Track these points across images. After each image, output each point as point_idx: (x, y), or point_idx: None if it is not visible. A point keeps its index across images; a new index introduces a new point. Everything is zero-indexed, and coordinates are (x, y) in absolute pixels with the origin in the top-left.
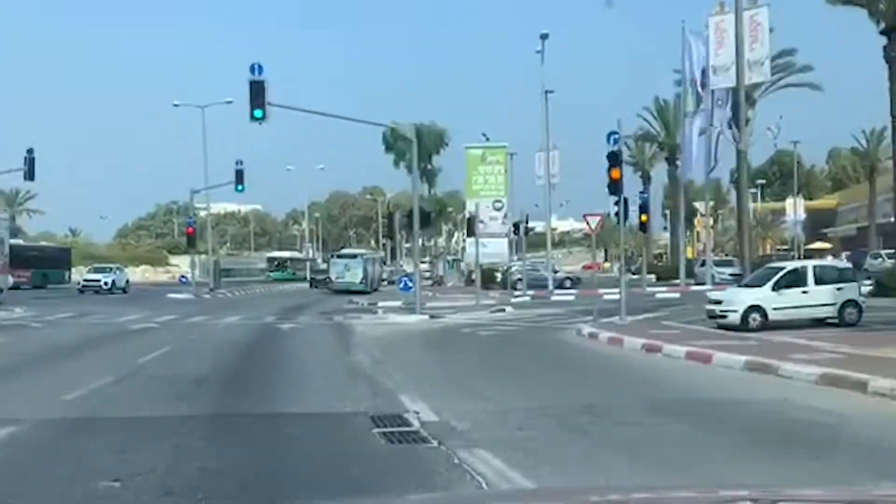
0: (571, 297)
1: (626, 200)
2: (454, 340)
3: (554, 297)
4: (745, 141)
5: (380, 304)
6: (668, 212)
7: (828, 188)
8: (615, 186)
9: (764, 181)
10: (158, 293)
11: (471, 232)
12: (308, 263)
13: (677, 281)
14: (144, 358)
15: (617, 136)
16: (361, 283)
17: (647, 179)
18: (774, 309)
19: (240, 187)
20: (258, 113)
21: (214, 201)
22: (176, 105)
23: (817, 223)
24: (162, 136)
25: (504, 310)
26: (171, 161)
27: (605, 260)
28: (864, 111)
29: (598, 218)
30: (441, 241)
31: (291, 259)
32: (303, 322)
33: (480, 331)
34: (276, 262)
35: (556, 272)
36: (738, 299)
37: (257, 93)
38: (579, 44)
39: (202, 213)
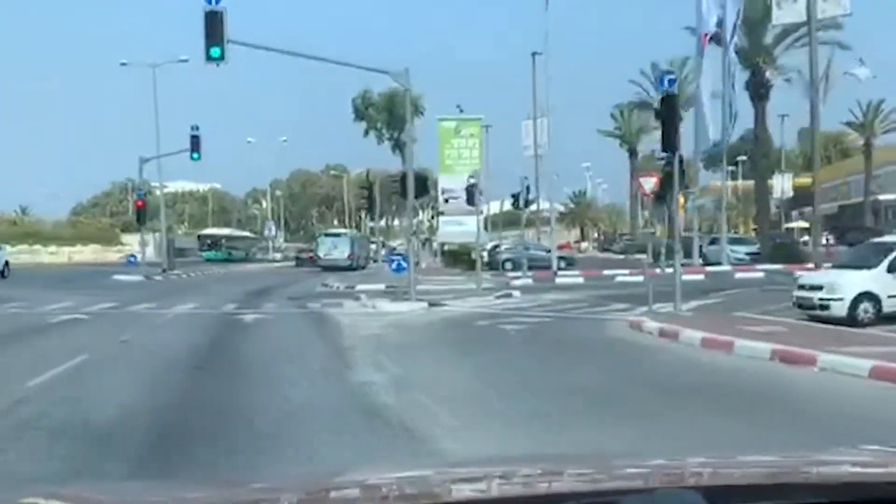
0: (579, 280)
1: (681, 159)
2: (479, 340)
3: (558, 280)
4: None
5: (359, 286)
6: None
7: (799, 167)
8: (669, 142)
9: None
10: (105, 274)
11: (471, 201)
12: (251, 242)
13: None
14: (37, 379)
15: (673, 77)
16: (348, 259)
17: (633, 153)
18: (890, 297)
19: (196, 155)
20: (215, 51)
21: (171, 179)
22: (123, 64)
23: (795, 202)
24: (113, 104)
25: (511, 294)
26: (125, 133)
27: (582, 238)
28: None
29: (655, 178)
30: (400, 221)
31: (228, 237)
32: (270, 311)
33: (502, 324)
34: (207, 241)
35: (547, 251)
36: (844, 284)
37: (214, 26)
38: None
39: (157, 191)
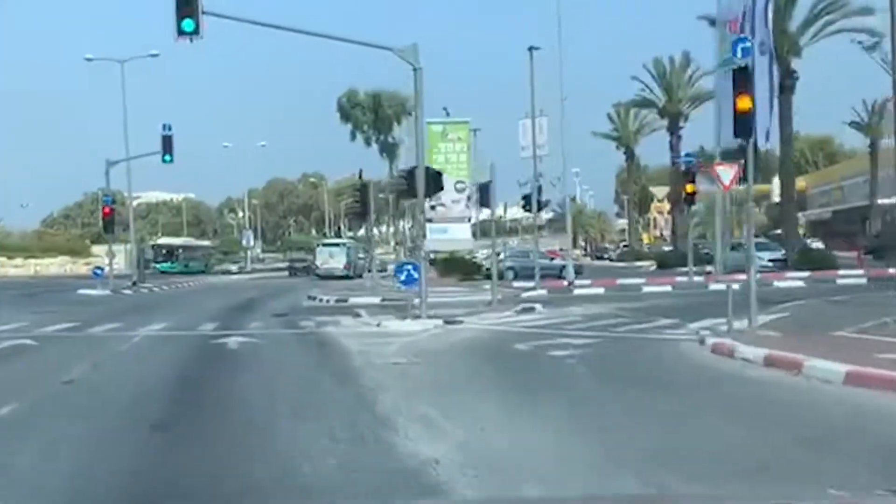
0: (599, 291)
1: (756, 146)
2: (534, 373)
3: (577, 291)
4: None
5: (353, 300)
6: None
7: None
8: (744, 123)
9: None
10: (70, 288)
11: (484, 202)
12: (209, 252)
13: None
14: None
15: (747, 44)
16: (345, 269)
17: (630, 155)
18: None
19: (168, 157)
20: (188, 24)
21: (145, 189)
22: (88, 59)
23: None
24: (80, 104)
25: (533, 309)
26: (96, 136)
27: (573, 245)
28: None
29: (734, 169)
30: (384, 229)
31: (185, 246)
32: (257, 331)
33: (547, 348)
34: (163, 252)
35: (552, 259)
36: None
37: None
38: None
39: (132, 200)
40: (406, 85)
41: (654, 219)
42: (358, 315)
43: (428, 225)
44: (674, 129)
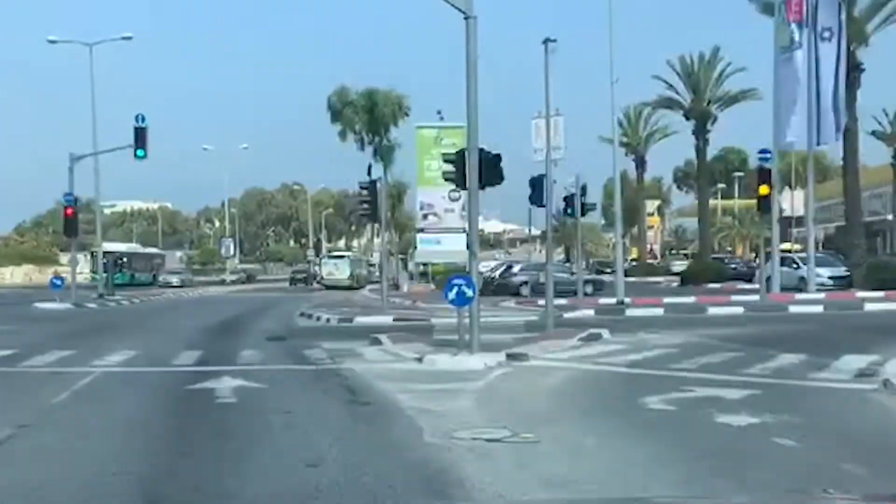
0: (657, 312)
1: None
2: (738, 459)
3: (629, 312)
4: None
5: (358, 318)
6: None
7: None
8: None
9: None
10: (28, 301)
11: (537, 200)
12: (156, 260)
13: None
14: None
15: None
16: (349, 279)
17: (640, 163)
18: None
19: (141, 152)
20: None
21: (120, 198)
22: (52, 42)
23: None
24: (47, 97)
25: (600, 336)
26: (64, 134)
27: (567, 259)
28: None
29: None
30: (362, 241)
31: (133, 254)
32: (253, 368)
33: (705, 409)
34: (104, 261)
35: (571, 274)
36: None
37: None
38: None
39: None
40: (402, 83)
41: (644, 233)
42: (377, 342)
43: (419, 236)
44: (700, 132)
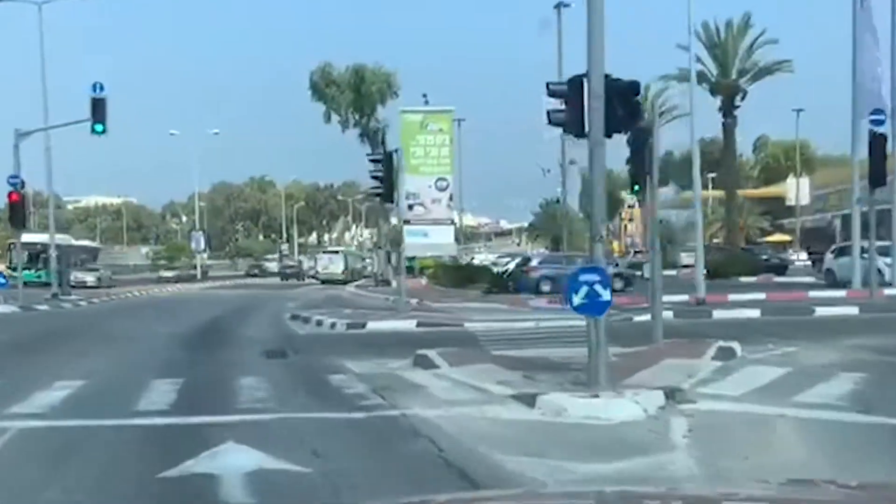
0: (753, 314)
1: None
2: None
3: (717, 313)
4: None
5: (371, 323)
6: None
7: (756, 179)
8: None
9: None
10: None
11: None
12: (96, 254)
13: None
14: None
15: None
16: (343, 273)
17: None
18: None
19: (99, 126)
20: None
21: (84, 193)
22: None
23: (772, 213)
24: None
25: (734, 352)
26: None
27: (555, 250)
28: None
29: None
30: (333, 235)
31: (58, 247)
32: (269, 417)
33: None
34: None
35: None
36: None
37: None
38: None
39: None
40: (391, 60)
41: (625, 226)
42: (428, 362)
43: (405, 227)
44: (728, 109)
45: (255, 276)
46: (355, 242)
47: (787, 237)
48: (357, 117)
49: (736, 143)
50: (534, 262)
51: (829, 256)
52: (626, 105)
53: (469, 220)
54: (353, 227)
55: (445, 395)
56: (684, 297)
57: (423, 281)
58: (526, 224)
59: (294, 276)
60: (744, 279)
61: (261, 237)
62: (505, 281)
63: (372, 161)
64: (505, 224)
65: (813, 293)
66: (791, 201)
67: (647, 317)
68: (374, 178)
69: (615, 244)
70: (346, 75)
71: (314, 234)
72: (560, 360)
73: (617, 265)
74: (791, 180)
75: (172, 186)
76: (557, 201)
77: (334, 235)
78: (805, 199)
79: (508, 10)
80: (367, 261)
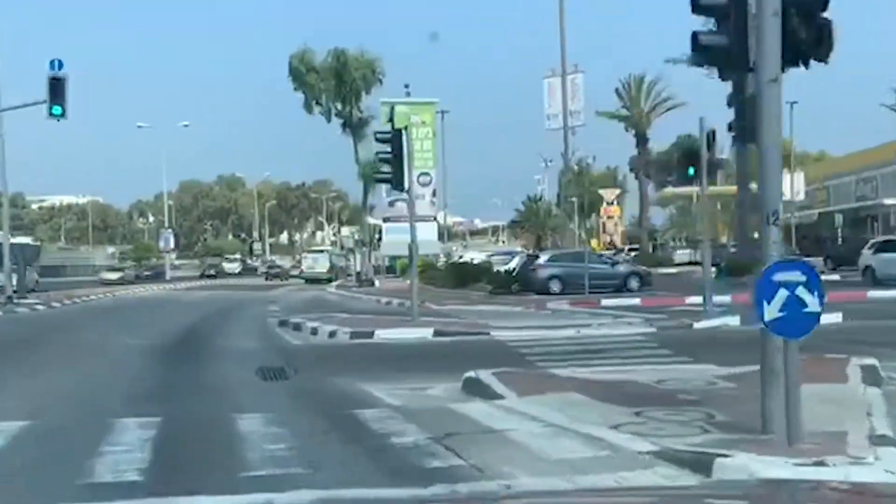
0: (834, 318)
1: None
2: None
3: None
4: None
5: (380, 332)
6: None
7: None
8: None
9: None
10: None
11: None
12: (36, 252)
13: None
14: None
15: None
16: (328, 272)
17: (642, 139)
18: None
19: (57, 109)
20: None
21: (50, 192)
22: None
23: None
24: None
25: (877, 372)
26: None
27: (539, 249)
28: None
29: None
30: (304, 235)
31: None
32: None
33: None
34: None
35: (613, 265)
36: None
37: None
38: None
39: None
40: (378, 44)
41: (604, 224)
42: (481, 388)
43: (384, 225)
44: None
45: (211, 276)
46: (329, 241)
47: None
48: (339, 107)
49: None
50: (541, 260)
51: (866, 253)
52: (810, 24)
53: (444, 218)
54: (326, 226)
55: (548, 448)
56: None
57: (409, 281)
58: (502, 223)
59: (277, 276)
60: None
61: (230, 236)
62: (511, 281)
63: (380, 140)
64: (479, 223)
65: (871, 293)
66: (787, 196)
67: (710, 322)
68: (383, 160)
69: (593, 243)
70: (327, 60)
71: (285, 234)
72: (661, 387)
73: (615, 263)
74: (786, 174)
75: (140, 185)
76: (540, 199)
77: (305, 236)
78: (800, 195)
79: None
80: (350, 260)
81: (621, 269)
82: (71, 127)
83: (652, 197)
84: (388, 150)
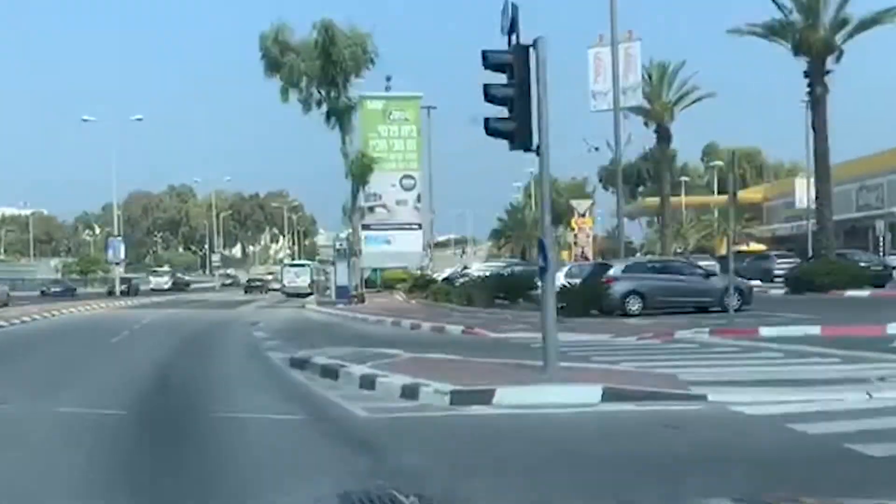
0: None
1: None
2: None
3: None
4: None
5: (499, 390)
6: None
7: (705, 189)
8: None
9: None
10: None
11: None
12: None
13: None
14: None
15: None
16: (309, 287)
17: (664, 137)
18: None
19: None
20: None
21: None
22: None
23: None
24: None
25: None
26: None
27: (523, 259)
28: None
29: None
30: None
31: None
32: None
33: None
34: None
35: (707, 276)
36: None
37: None
38: None
39: None
40: (369, 17)
41: (576, 235)
42: None
43: (364, 233)
44: (817, 75)
45: (124, 293)
46: (285, 253)
47: (760, 246)
48: (324, 92)
49: (826, 121)
50: (614, 271)
51: None
52: None
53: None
54: (282, 238)
55: None
56: None
57: (399, 297)
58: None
59: (258, 290)
60: (850, 293)
61: (181, 249)
62: (587, 299)
63: (491, 66)
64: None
65: None
66: (801, 202)
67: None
68: (491, 100)
69: (564, 254)
70: (309, 39)
71: (238, 246)
72: None
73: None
74: (800, 180)
75: (85, 197)
76: (524, 207)
77: (257, 249)
78: (806, 202)
79: None
80: (328, 274)
81: (717, 282)
82: (10, 130)
83: (631, 209)
84: (505, 81)
